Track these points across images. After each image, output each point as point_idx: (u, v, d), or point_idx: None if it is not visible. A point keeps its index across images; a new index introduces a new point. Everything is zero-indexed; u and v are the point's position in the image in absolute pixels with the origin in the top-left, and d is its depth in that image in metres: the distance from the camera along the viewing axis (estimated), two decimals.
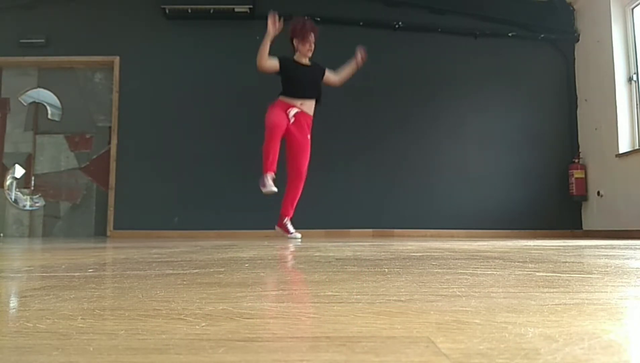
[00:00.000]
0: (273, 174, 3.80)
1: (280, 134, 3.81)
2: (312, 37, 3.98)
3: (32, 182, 5.67)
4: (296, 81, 3.97)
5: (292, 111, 3.91)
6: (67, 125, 5.72)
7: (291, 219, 4.08)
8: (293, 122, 3.91)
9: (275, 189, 3.75)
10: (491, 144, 5.58)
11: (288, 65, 3.99)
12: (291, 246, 2.46)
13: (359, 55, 4.09)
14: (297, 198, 4.01)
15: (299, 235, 4.08)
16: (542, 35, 5.64)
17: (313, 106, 4.03)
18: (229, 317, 0.51)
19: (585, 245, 2.59)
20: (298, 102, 3.96)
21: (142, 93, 5.60)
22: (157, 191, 5.46)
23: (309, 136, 3.98)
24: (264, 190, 3.74)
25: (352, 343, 0.40)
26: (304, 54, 4.00)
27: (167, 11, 5.49)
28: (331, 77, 4.14)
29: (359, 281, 0.83)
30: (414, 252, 1.80)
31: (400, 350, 0.37)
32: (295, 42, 3.99)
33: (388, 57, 5.64)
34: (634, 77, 4.89)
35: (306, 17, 4.07)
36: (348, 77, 4.19)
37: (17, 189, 5.66)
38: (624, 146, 4.89)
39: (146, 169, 5.49)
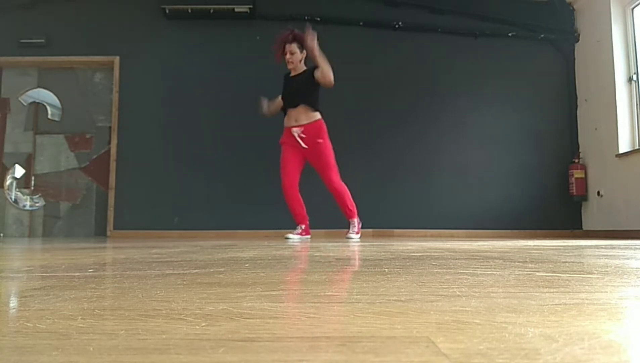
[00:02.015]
0: (304, 225, 3.90)
1: (295, 187, 3.84)
2: (287, 48, 3.86)
3: (32, 182, 5.67)
4: (284, 96, 3.94)
5: (295, 132, 3.82)
6: (67, 125, 5.73)
7: (359, 217, 4.03)
8: (303, 140, 3.83)
9: (292, 237, 3.81)
10: (491, 144, 5.58)
11: (283, 83, 3.98)
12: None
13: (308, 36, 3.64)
14: (347, 202, 3.93)
15: (355, 236, 3.97)
16: (542, 35, 5.64)
17: (309, 111, 3.84)
18: (229, 317, 0.51)
19: (585, 245, 2.59)
20: (292, 117, 3.87)
21: (142, 93, 5.60)
22: (157, 191, 5.46)
23: (320, 141, 3.85)
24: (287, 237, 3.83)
25: (352, 343, 0.40)
26: (290, 67, 3.92)
27: (167, 11, 5.49)
28: (317, 75, 3.80)
29: (359, 281, 0.83)
30: (414, 252, 1.80)
31: (400, 350, 0.37)
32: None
33: (388, 57, 5.65)
34: (634, 77, 4.89)
35: (286, 30, 3.90)
36: (319, 68, 3.72)
37: (17, 189, 5.66)
38: (624, 146, 4.89)
39: (146, 169, 5.49)
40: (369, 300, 0.62)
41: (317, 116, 3.90)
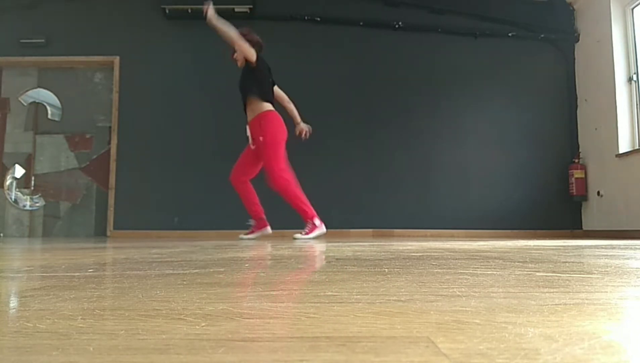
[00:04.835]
0: (254, 221, 3.85)
1: (237, 181, 3.90)
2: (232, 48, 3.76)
3: (32, 182, 5.67)
4: None
5: (247, 131, 3.84)
6: (67, 125, 5.73)
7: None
8: (252, 139, 3.81)
9: (244, 237, 3.76)
10: (491, 144, 5.58)
11: None
12: (289, 247, 2.46)
13: (304, 131, 4.04)
14: (299, 203, 3.82)
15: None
16: (542, 35, 5.64)
17: (256, 103, 3.76)
18: (229, 317, 0.51)
19: (585, 245, 2.59)
20: (247, 114, 3.84)
21: (142, 93, 5.60)
22: (157, 191, 5.46)
23: (261, 138, 3.74)
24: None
25: (352, 343, 0.40)
26: (238, 65, 3.82)
27: (167, 11, 5.50)
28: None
29: (359, 281, 0.83)
30: (414, 252, 1.80)
31: (400, 350, 0.37)
32: None
33: (388, 57, 5.65)
34: (634, 77, 4.89)
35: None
36: (287, 109, 4.03)
37: (17, 189, 5.66)
38: (624, 146, 4.89)
39: (146, 169, 5.49)
40: (369, 300, 0.62)
41: (263, 108, 3.74)
